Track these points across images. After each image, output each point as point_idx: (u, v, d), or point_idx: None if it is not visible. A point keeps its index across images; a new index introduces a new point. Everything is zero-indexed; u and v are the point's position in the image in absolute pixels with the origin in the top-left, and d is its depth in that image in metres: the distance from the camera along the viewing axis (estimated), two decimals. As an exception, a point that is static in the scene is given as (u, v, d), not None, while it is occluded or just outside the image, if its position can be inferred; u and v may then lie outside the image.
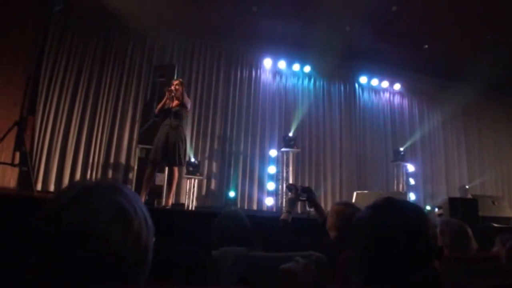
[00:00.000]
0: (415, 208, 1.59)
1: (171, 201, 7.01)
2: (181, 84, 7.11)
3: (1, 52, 8.60)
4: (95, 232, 0.98)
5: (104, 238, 0.98)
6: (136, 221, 1.05)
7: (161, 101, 7.18)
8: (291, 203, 3.88)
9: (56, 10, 5.92)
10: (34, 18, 8.65)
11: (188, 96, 7.52)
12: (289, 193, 3.94)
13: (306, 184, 11.30)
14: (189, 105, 7.19)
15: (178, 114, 6.92)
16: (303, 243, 3.71)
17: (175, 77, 8.70)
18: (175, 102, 6.94)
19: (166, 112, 6.97)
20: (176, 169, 6.95)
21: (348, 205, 3.57)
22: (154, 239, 1.11)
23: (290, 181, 10.10)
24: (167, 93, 6.92)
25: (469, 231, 3.26)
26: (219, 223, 2.96)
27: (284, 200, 10.33)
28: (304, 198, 3.93)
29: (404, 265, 1.45)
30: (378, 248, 1.49)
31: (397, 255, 1.45)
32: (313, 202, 4.01)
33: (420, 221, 1.52)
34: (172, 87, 6.98)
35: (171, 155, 6.72)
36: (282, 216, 3.71)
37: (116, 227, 1.01)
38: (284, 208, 3.77)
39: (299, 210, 10.65)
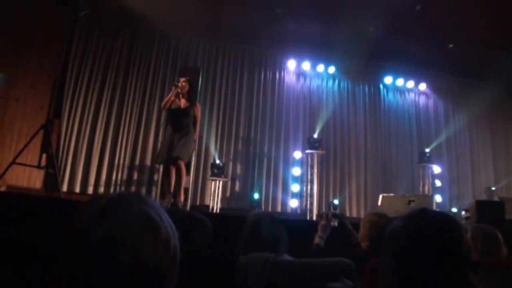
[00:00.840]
0: (449, 220, 1.58)
1: (182, 197, 6.83)
2: (187, 82, 6.97)
3: (27, 57, 8.74)
4: (126, 242, 0.97)
5: (135, 247, 0.98)
6: (163, 228, 1.05)
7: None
8: (324, 229, 3.81)
9: (81, 14, 5.98)
10: (59, 22, 8.78)
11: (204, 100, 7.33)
12: (321, 221, 3.87)
13: (331, 186, 11.28)
14: (198, 110, 7.01)
15: (186, 114, 6.77)
16: (328, 248, 3.69)
17: (200, 80, 8.70)
18: (183, 102, 6.80)
19: (175, 112, 6.80)
20: (182, 164, 6.68)
21: (381, 215, 3.67)
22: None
23: (315, 185, 10.03)
24: (173, 88, 6.81)
25: (500, 237, 3.21)
26: (252, 225, 2.91)
27: (308, 202, 10.29)
28: (335, 224, 3.93)
29: (438, 277, 1.45)
30: (412, 259, 1.48)
31: (431, 266, 1.45)
32: (345, 228, 4.05)
33: (454, 233, 1.52)
34: (179, 83, 6.86)
35: (178, 148, 6.54)
36: (316, 241, 3.71)
37: (146, 236, 1.00)
38: (317, 234, 3.72)
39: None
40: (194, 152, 7.47)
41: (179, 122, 6.71)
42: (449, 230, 1.52)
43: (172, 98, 6.81)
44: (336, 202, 10.69)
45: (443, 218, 1.59)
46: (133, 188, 10.19)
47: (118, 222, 1.00)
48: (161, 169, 8.97)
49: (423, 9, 9.67)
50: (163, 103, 6.95)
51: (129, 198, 1.08)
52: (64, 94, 10.02)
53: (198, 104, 7.10)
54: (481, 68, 11.80)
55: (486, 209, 7.46)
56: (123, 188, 10.13)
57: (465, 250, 1.50)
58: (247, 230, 2.87)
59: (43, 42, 9.09)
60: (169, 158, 6.57)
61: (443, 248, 1.47)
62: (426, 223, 1.54)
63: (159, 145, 6.58)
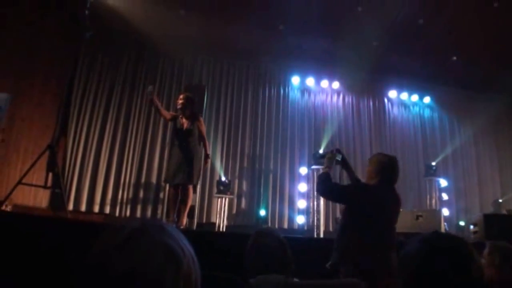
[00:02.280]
0: (461, 244, 1.60)
1: (185, 220, 6.79)
2: (185, 98, 6.90)
3: (33, 77, 8.82)
4: (148, 276, 0.96)
5: (157, 282, 0.97)
6: (185, 260, 1.03)
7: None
8: (329, 161, 4.16)
9: (87, 36, 6.02)
10: (65, 43, 8.84)
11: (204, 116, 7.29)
12: (325, 157, 4.25)
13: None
14: (202, 126, 6.94)
15: (191, 133, 6.72)
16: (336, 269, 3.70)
17: (205, 97, 8.72)
18: (185, 121, 6.75)
19: (180, 132, 6.75)
20: (191, 188, 6.75)
21: (382, 153, 4.26)
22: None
23: (322, 200, 9.97)
24: (178, 106, 6.81)
25: None
26: (254, 243, 2.88)
27: (315, 218, 10.23)
28: (340, 159, 4.25)
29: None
30: (424, 283, 1.52)
31: (438, 277, 1.49)
32: (346, 163, 4.38)
33: (467, 258, 1.54)
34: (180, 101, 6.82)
35: (186, 173, 6.53)
36: (323, 170, 4.10)
37: (168, 270, 0.99)
38: (324, 165, 4.07)
39: (330, 228, 10.57)
40: (205, 167, 7.39)
41: (186, 143, 6.67)
42: (462, 255, 1.54)
43: (180, 119, 6.78)
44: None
45: (455, 242, 1.61)
46: (139, 207, 10.17)
47: (140, 255, 0.98)
48: (167, 188, 8.95)
49: (425, 23, 9.71)
50: (163, 115, 7.07)
51: (151, 228, 1.06)
52: (70, 113, 10.06)
53: (201, 119, 7.04)
54: (486, 80, 11.81)
55: (494, 223, 7.44)
56: (129, 206, 10.11)
57: (477, 275, 1.51)
58: (252, 249, 2.85)
59: (49, 62, 9.17)
60: (177, 180, 6.54)
61: (455, 273, 1.49)
62: (438, 248, 1.56)
63: (165, 164, 6.49)
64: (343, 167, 4.38)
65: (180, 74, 11.32)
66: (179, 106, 6.79)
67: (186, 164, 6.56)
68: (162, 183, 9.57)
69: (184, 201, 6.62)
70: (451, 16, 9.44)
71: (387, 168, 3.94)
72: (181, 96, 6.96)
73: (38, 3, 8.75)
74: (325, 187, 4.02)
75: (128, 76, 10.87)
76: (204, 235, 6.22)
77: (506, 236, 6.70)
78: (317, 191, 4.34)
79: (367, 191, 3.94)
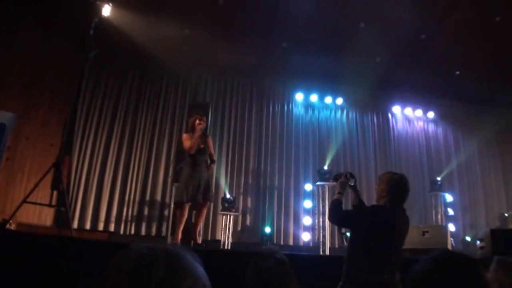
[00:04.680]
0: (470, 263, 1.60)
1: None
2: (205, 120, 6.87)
3: (39, 96, 8.87)
4: None
5: None
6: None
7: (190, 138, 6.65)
8: (342, 185, 4.14)
9: (91, 55, 6.05)
10: (70, 63, 8.91)
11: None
12: (338, 180, 4.22)
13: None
14: (211, 143, 6.99)
15: (205, 151, 6.72)
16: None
17: (210, 115, 8.74)
18: (201, 140, 6.67)
19: (200, 152, 6.60)
20: (206, 206, 6.77)
21: (392, 172, 4.11)
22: None
23: (327, 216, 9.93)
24: (199, 131, 6.60)
25: None
26: (254, 268, 2.83)
27: (321, 235, 10.20)
28: (353, 183, 4.24)
29: None
30: None
31: None
32: (355, 186, 4.34)
33: (476, 277, 1.54)
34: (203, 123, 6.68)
35: (209, 190, 6.62)
36: (336, 197, 4.03)
37: None
38: (336, 191, 4.07)
39: (336, 245, 10.51)
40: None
41: (201, 161, 6.64)
42: (471, 274, 1.54)
43: (197, 137, 6.55)
44: (348, 234, 10.53)
45: (465, 261, 1.60)
46: (144, 225, 10.15)
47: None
48: (171, 205, 8.92)
49: (428, 38, 9.74)
50: (190, 146, 6.48)
51: (161, 258, 1.02)
52: (75, 131, 10.10)
53: (209, 136, 7.11)
54: (489, 94, 11.83)
55: (501, 238, 7.36)
56: (133, 224, 10.10)
57: None
58: (253, 274, 2.80)
59: (55, 81, 9.24)
60: (202, 199, 6.49)
61: None
62: (448, 267, 1.56)
63: (181, 183, 6.34)
64: (351, 188, 4.33)
65: (184, 92, 11.38)
66: (201, 127, 6.61)
67: (207, 182, 6.63)
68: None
69: (199, 219, 6.66)
70: (454, 31, 9.48)
71: (397, 186, 3.89)
72: (203, 119, 6.79)
73: (44, 25, 8.83)
74: (336, 216, 4.03)
75: (133, 94, 10.94)
76: (210, 253, 6.18)
77: (512, 250, 6.67)
78: (329, 219, 4.30)
79: (376, 214, 3.91)
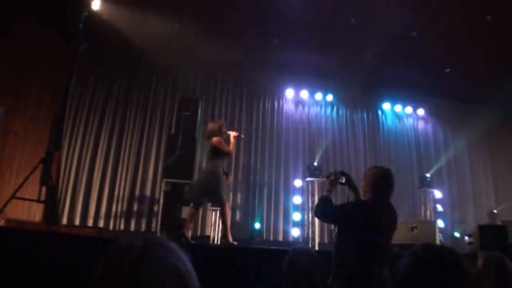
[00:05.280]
0: (451, 255, 1.64)
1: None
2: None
3: (27, 91, 8.79)
4: None
5: None
6: (192, 282, 1.03)
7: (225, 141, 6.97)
8: (332, 183, 4.16)
9: (81, 49, 6.01)
10: (59, 57, 8.85)
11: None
12: (329, 178, 4.24)
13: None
14: None
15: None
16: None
17: (199, 111, 8.74)
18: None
19: (225, 155, 6.87)
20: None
21: (376, 167, 4.18)
22: None
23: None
24: (225, 134, 6.92)
25: (510, 265, 3.18)
26: (289, 264, 2.89)
27: (310, 230, 10.24)
28: (343, 181, 4.20)
29: None
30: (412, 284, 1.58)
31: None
32: (352, 184, 4.27)
33: (457, 269, 1.57)
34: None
35: (227, 193, 7.12)
36: (324, 193, 4.07)
37: None
38: (325, 188, 4.11)
39: (325, 240, 10.54)
40: None
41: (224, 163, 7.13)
42: (451, 266, 1.57)
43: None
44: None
45: (445, 254, 1.64)
46: (133, 221, 10.12)
47: (148, 278, 0.96)
48: (161, 200, 8.91)
49: (418, 36, 9.76)
50: (232, 149, 6.92)
51: (157, 250, 1.03)
52: (64, 126, 10.04)
53: None
54: (479, 92, 11.89)
55: (489, 234, 7.43)
56: (122, 220, 10.07)
57: (468, 285, 1.55)
58: (288, 270, 2.86)
59: (43, 75, 9.16)
60: (226, 199, 6.79)
61: (445, 284, 1.53)
62: (428, 260, 1.60)
63: (224, 185, 6.61)
64: (349, 188, 4.30)
65: (174, 88, 11.35)
66: (226, 131, 6.98)
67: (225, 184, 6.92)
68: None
69: (226, 219, 6.72)
70: (444, 29, 9.50)
71: (380, 180, 3.91)
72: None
73: (33, 19, 8.75)
74: (321, 210, 4.05)
75: (122, 90, 10.91)
76: (199, 248, 6.19)
77: (501, 246, 6.73)
78: (314, 214, 4.33)
79: (360, 209, 3.92)
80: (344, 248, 3.80)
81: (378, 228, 3.73)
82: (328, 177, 4.29)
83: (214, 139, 6.67)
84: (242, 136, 7.67)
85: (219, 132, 6.78)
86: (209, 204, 9.95)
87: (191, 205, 6.78)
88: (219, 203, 6.73)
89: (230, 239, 6.67)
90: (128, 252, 1.01)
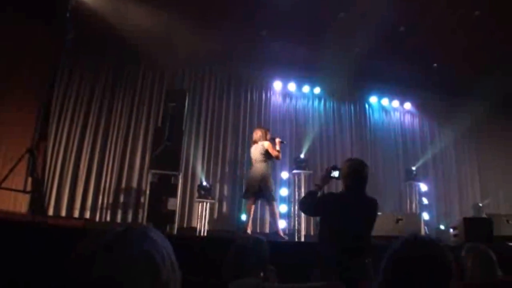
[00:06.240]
0: (433, 246, 1.68)
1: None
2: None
3: (14, 81, 8.71)
4: (123, 285, 0.95)
5: None
6: (165, 271, 1.02)
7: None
8: (322, 178, 4.25)
9: (67, 38, 5.98)
10: (46, 47, 8.77)
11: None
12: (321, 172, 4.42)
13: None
14: None
15: None
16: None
17: (186, 103, 8.75)
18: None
19: (273, 158, 7.91)
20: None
21: (350, 159, 4.28)
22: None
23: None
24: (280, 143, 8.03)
25: (494, 256, 3.23)
26: (237, 248, 2.89)
27: (296, 222, 10.28)
28: (337, 176, 4.19)
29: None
30: (399, 282, 1.60)
31: (415, 278, 1.57)
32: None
33: (439, 260, 1.62)
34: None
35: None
36: (313, 189, 4.18)
37: (145, 280, 0.98)
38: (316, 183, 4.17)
39: (311, 232, 10.60)
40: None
41: None
42: (434, 258, 1.61)
43: None
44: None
45: (426, 244, 1.69)
46: (119, 212, 10.10)
47: (118, 262, 0.97)
48: (147, 192, 8.90)
49: (407, 30, 9.81)
50: (279, 155, 8.06)
51: (134, 235, 1.05)
52: (50, 116, 9.96)
53: None
54: (466, 87, 11.95)
55: (474, 227, 7.52)
56: (109, 211, 10.05)
57: (448, 276, 1.60)
58: (232, 253, 2.85)
59: (30, 64, 9.07)
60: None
61: (428, 275, 1.57)
62: (412, 250, 1.65)
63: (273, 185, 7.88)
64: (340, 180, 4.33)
65: (161, 79, 11.28)
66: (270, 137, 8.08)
67: None
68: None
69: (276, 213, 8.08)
70: (432, 24, 9.55)
71: (352, 173, 3.97)
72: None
73: (19, 7, 8.66)
74: (301, 204, 4.22)
75: (109, 80, 10.83)
76: (185, 239, 6.20)
77: (486, 239, 6.83)
78: (298, 207, 4.45)
79: (333, 200, 4.00)
80: (322, 238, 3.90)
81: (352, 219, 3.78)
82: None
83: (267, 143, 7.77)
84: (285, 142, 8.66)
85: (265, 137, 7.89)
86: (196, 196, 10.01)
87: (249, 202, 7.98)
88: (271, 200, 7.78)
89: (281, 233, 7.91)
90: (104, 236, 1.03)
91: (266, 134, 7.95)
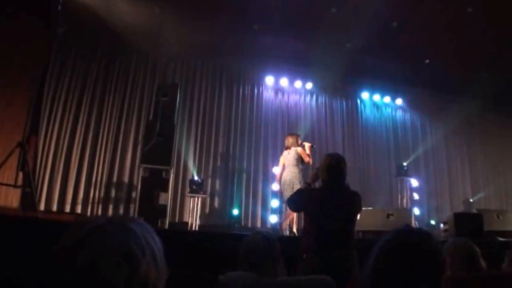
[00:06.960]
0: (426, 237, 1.67)
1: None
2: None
3: (5, 74, 8.65)
4: (100, 276, 0.95)
5: (108, 282, 0.95)
6: (143, 263, 1.01)
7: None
8: (311, 176, 4.25)
9: (59, 31, 5.95)
10: (38, 40, 8.71)
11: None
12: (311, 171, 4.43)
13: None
14: None
15: None
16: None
17: (178, 96, 8.72)
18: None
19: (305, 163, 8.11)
20: None
21: (326, 154, 4.33)
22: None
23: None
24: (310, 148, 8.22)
25: (478, 250, 3.24)
26: (245, 243, 2.92)
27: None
28: None
29: (410, 278, 1.55)
30: (388, 273, 1.59)
31: (405, 280, 1.55)
32: None
33: (430, 252, 1.61)
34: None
35: None
36: (302, 187, 4.33)
37: (122, 271, 0.97)
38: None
39: (302, 226, 10.60)
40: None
41: None
42: (425, 249, 1.60)
43: None
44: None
45: (419, 231, 1.70)
46: (111, 206, 10.08)
47: (96, 253, 0.97)
48: (139, 187, 8.89)
49: (399, 26, 9.83)
50: (310, 160, 8.16)
51: (112, 227, 1.04)
52: (42, 110, 9.90)
53: None
54: (457, 83, 12.01)
55: (464, 222, 7.55)
56: (100, 206, 10.02)
57: (440, 269, 1.59)
58: (242, 248, 2.89)
59: (22, 58, 8.99)
60: None
61: (418, 267, 1.55)
62: (402, 241, 1.64)
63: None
64: None
65: (153, 73, 11.24)
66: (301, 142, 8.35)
67: None
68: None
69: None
70: (425, 20, 9.57)
71: (327, 168, 4.00)
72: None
73: (10, 2, 8.60)
74: (290, 199, 4.35)
75: (100, 74, 10.77)
76: (176, 234, 6.21)
77: (476, 234, 6.87)
78: (286, 203, 4.52)
79: (309, 196, 4.03)
80: (305, 233, 3.94)
81: (331, 213, 3.81)
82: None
83: (300, 149, 8.12)
84: (314, 146, 8.76)
85: (297, 143, 8.23)
86: (187, 191, 10.00)
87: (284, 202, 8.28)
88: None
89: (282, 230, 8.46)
90: (82, 228, 1.03)
91: (297, 140, 8.32)
